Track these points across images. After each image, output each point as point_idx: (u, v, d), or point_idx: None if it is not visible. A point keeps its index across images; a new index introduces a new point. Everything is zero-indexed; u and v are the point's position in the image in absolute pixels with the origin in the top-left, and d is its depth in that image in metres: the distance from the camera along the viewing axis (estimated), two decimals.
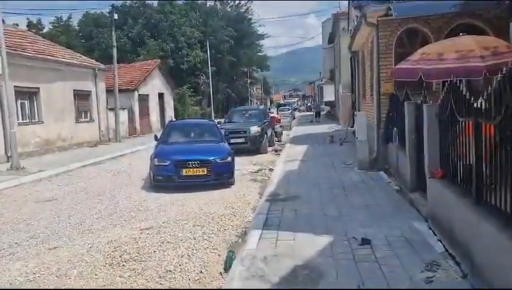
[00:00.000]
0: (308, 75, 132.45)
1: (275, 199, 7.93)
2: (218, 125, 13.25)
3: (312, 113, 39.98)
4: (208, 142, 10.76)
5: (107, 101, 23.10)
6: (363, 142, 10.53)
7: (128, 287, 4.51)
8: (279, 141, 19.95)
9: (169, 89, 33.20)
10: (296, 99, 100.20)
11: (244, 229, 6.43)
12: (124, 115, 25.24)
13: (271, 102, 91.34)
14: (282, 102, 70.69)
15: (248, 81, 63.50)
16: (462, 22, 9.58)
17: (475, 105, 4.10)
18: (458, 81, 4.80)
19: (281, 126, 22.79)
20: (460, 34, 7.48)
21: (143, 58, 36.81)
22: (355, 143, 11.34)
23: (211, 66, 42.45)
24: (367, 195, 7.92)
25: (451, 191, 4.87)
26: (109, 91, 23.14)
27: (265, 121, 17.10)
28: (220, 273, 4.87)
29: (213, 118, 25.43)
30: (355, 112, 16.00)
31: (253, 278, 4.44)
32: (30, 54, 17.00)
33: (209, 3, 53.83)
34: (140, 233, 6.27)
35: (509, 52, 6.53)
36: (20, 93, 16.19)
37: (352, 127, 16.60)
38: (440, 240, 5.09)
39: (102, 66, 22.99)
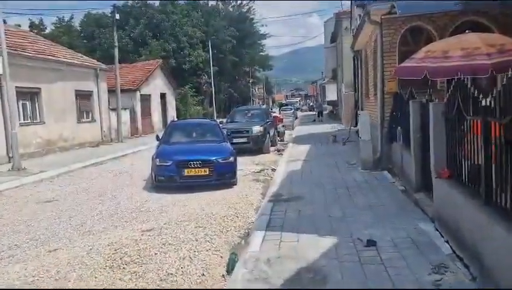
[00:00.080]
0: (310, 75, 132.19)
1: (277, 199, 7.82)
2: (221, 125, 13.17)
3: (314, 112, 39.87)
4: (210, 142, 10.67)
5: (109, 101, 23.05)
6: (367, 141, 10.42)
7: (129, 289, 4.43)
8: (282, 140, 19.86)
9: (171, 89, 33.13)
10: (298, 98, 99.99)
11: (246, 231, 6.33)
12: (126, 115, 25.18)
13: (273, 102, 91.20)
14: (284, 102, 70.50)
15: (250, 81, 63.37)
16: (467, 20, 9.44)
17: (483, 103, 3.99)
18: (466, 79, 4.69)
19: (283, 126, 22.69)
20: (467, 31, 7.35)
21: (145, 58, 36.80)
22: (359, 143, 11.23)
23: (213, 65, 42.38)
24: (371, 195, 7.81)
25: (459, 191, 4.76)
26: (111, 91, 23.11)
27: (267, 120, 17.00)
28: (223, 275, 4.78)
29: (215, 118, 25.35)
30: (358, 112, 15.90)
31: (256, 281, 4.34)
32: (31, 54, 16.95)
33: (211, 3, 53.82)
34: (142, 235, 6.18)
35: None
36: (21, 93, 16.13)
37: (355, 126, 16.51)
38: (447, 242, 4.98)
39: (103, 66, 22.92)
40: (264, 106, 34.83)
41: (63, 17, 50.90)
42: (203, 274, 4.74)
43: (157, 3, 48.18)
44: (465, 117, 4.61)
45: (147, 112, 28.64)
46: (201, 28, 45.82)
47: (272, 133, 17.09)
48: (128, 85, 26.75)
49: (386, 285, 4.04)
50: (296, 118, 38.93)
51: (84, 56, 23.37)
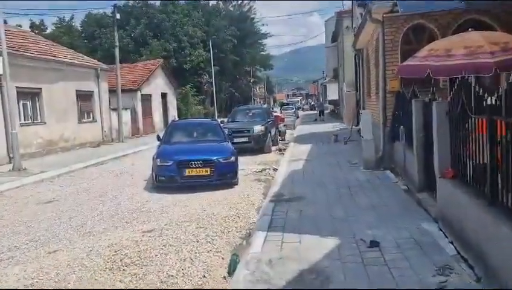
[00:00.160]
0: (311, 74, 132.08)
1: (279, 199, 7.76)
2: (222, 124, 13.11)
3: (316, 112, 39.79)
4: (211, 142, 10.61)
5: (109, 101, 23.00)
6: (369, 141, 10.35)
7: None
8: (283, 140, 19.80)
9: (172, 89, 33.09)
10: (300, 98, 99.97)
11: (248, 231, 6.27)
12: (126, 115, 25.15)
13: (274, 101, 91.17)
14: (285, 101, 70.41)
15: (251, 81, 63.32)
16: (469, 18, 9.38)
17: (488, 102, 3.93)
18: (471, 78, 4.63)
19: (284, 125, 22.64)
20: (469, 29, 7.28)
21: (146, 58, 36.81)
22: (361, 142, 11.17)
23: (213, 65, 42.34)
24: (373, 195, 7.74)
25: (463, 191, 4.70)
26: (112, 91, 23.06)
27: (268, 120, 16.94)
28: (224, 277, 4.72)
29: (216, 118, 25.31)
30: (360, 111, 15.84)
31: (258, 282, 4.28)
32: (32, 55, 16.91)
33: (211, 3, 53.87)
34: (142, 236, 6.13)
35: None
36: (22, 94, 16.11)
37: (357, 125, 16.44)
38: (451, 242, 4.91)
39: (104, 66, 22.89)
40: (265, 106, 34.79)
41: (64, 17, 50.96)
42: (204, 276, 4.69)
43: (157, 3, 48.28)
44: (469, 116, 4.54)
45: (147, 112, 28.60)
46: (202, 28, 45.80)
47: (273, 133, 17.03)
48: (129, 85, 26.73)
49: (390, 287, 3.98)
50: (298, 117, 38.83)
51: (85, 56, 23.33)
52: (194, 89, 40.84)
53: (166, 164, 9.24)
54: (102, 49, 41.29)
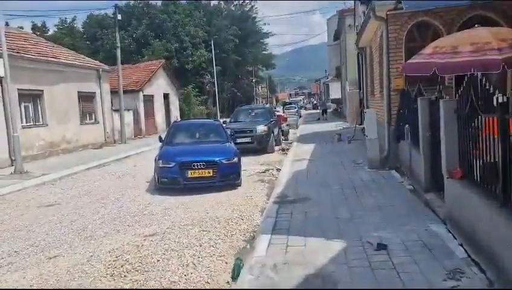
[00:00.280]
0: (314, 73, 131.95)
1: (283, 200, 7.63)
2: (224, 125, 12.99)
3: (318, 111, 39.62)
4: (214, 143, 10.48)
5: (111, 102, 22.91)
6: (373, 140, 10.20)
7: None
8: (286, 139, 19.67)
9: (175, 89, 32.99)
10: (302, 97, 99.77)
11: (252, 234, 6.15)
12: (129, 116, 25.08)
13: (277, 100, 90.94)
14: (288, 100, 70.23)
15: (253, 80, 63.20)
16: (475, 14, 9.22)
17: (499, 100, 3.80)
18: (479, 75, 4.49)
19: (287, 125, 22.48)
20: (476, 25, 7.14)
21: (147, 59, 36.71)
22: (365, 141, 11.02)
23: (215, 65, 42.24)
24: (379, 195, 7.60)
25: (473, 192, 4.56)
26: (114, 92, 22.96)
27: (271, 120, 16.80)
28: (228, 282, 4.60)
29: (218, 118, 25.19)
30: (363, 109, 15.69)
31: (262, 288, 4.16)
32: (33, 56, 16.85)
33: (213, 3, 53.79)
34: (144, 240, 6.01)
35: None
36: (23, 96, 16.03)
37: (361, 124, 16.29)
38: (461, 245, 4.78)
39: (106, 67, 22.80)
40: (268, 105, 34.59)
41: (66, 18, 50.92)
42: (207, 282, 4.57)
43: (159, 3, 48.24)
44: (479, 114, 4.40)
45: (150, 113, 28.52)
46: (203, 28, 45.71)
47: (276, 133, 16.90)
48: (131, 86, 26.65)
49: None
50: (300, 116, 38.73)
51: (87, 57, 23.26)
52: (196, 89, 40.78)
53: (168, 165, 9.13)
54: (104, 50, 41.27)
